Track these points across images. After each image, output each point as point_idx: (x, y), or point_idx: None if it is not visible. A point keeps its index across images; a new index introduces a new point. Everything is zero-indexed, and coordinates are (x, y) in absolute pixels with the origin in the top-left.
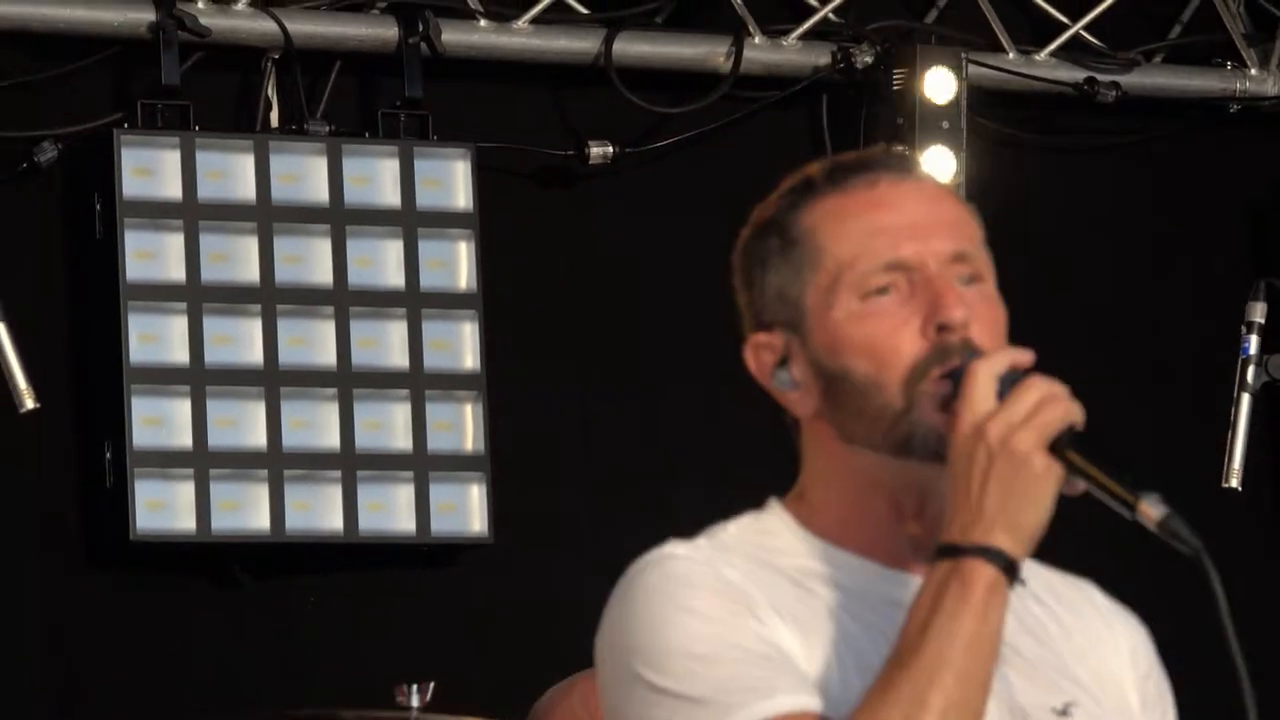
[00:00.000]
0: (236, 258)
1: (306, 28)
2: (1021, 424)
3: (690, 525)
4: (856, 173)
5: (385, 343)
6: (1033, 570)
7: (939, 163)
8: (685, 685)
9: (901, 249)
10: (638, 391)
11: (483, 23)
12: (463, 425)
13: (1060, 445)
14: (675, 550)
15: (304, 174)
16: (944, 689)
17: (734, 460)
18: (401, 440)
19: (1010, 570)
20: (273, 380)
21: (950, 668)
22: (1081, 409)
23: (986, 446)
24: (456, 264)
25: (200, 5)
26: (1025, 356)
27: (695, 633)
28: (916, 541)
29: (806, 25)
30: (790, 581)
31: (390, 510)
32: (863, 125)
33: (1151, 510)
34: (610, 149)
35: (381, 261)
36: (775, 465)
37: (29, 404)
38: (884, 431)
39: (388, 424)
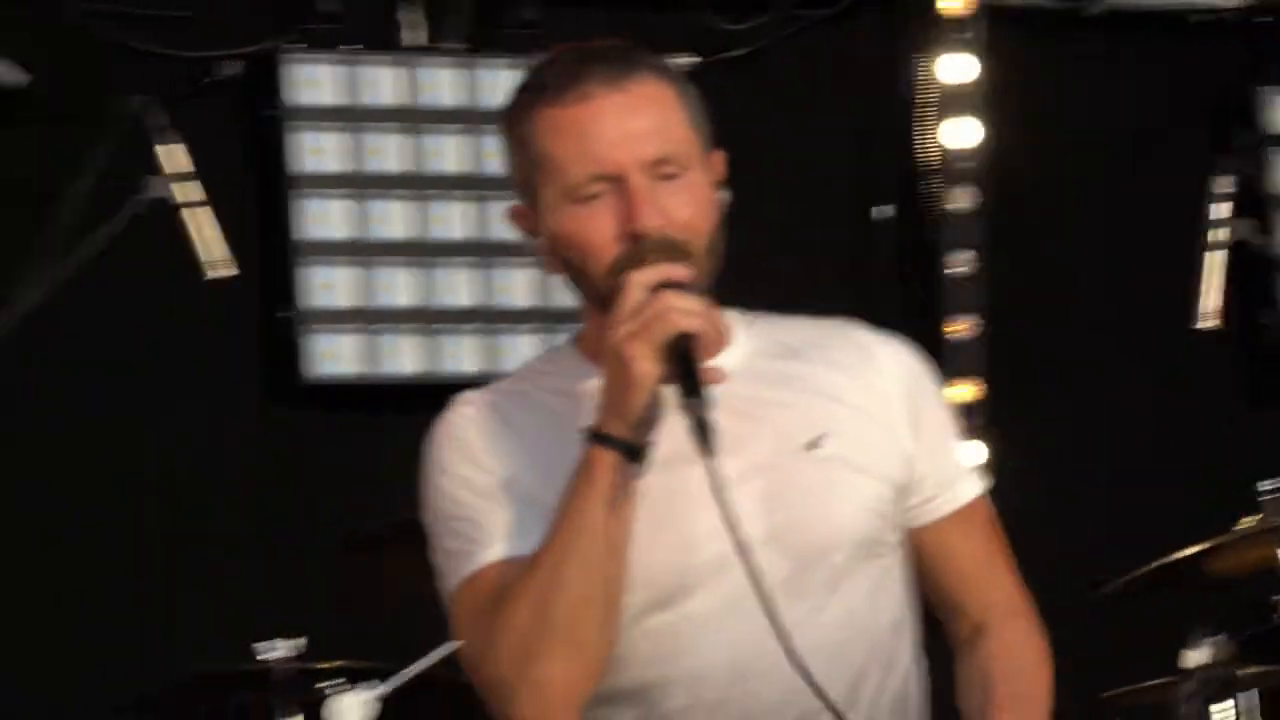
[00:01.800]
0: (386, 152)
1: None
2: (634, 332)
3: None
4: (574, 85)
5: None
6: (785, 330)
7: (962, 67)
8: (438, 540)
9: (604, 161)
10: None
11: None
12: None
13: (670, 346)
14: (453, 404)
15: (440, 83)
16: (566, 586)
17: None
18: (522, 300)
19: (630, 451)
20: (419, 250)
21: (574, 559)
22: (698, 321)
23: (610, 349)
24: None
25: None
26: (679, 271)
27: (441, 491)
28: None
29: None
30: (554, 404)
31: (515, 355)
32: (897, 38)
33: (692, 408)
34: (690, 59)
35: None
36: None
37: (219, 272)
38: (595, 304)
39: (513, 287)
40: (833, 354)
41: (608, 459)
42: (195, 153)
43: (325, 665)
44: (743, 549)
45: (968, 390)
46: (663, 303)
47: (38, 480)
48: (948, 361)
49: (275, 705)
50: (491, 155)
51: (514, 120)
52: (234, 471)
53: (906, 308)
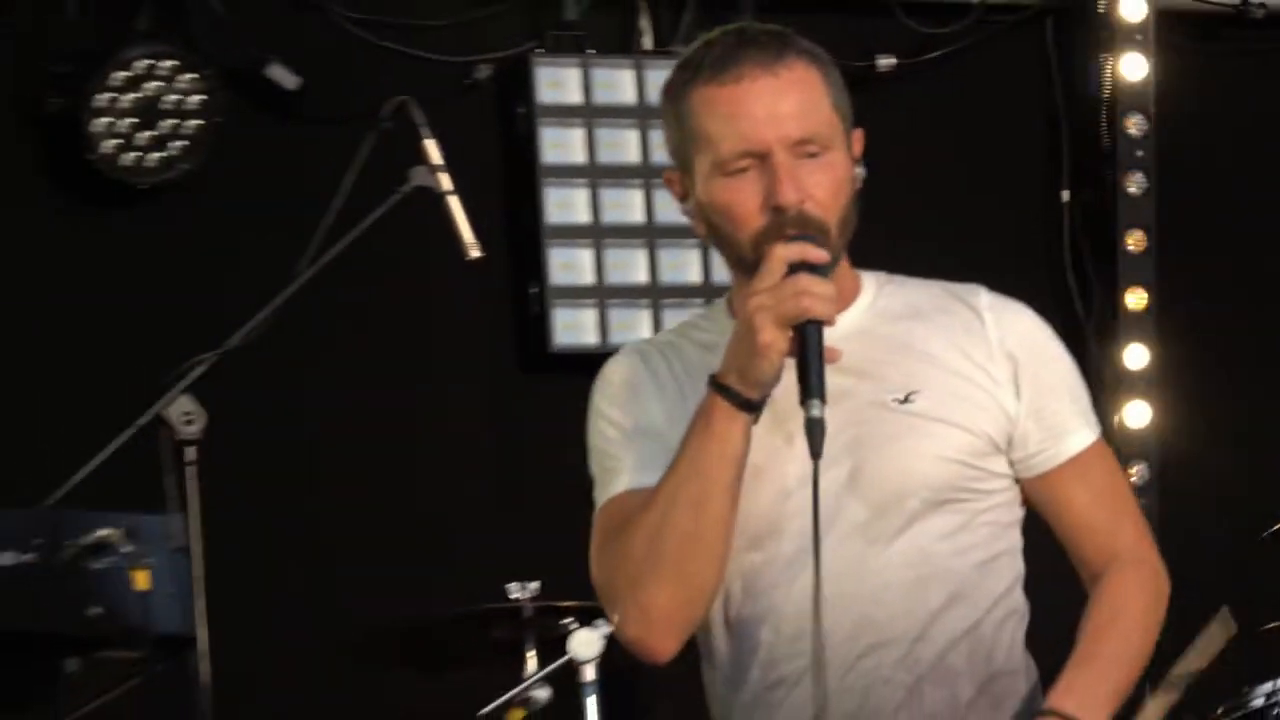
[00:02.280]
0: (622, 146)
1: None
2: (767, 305)
3: None
4: (731, 66)
5: None
6: (912, 292)
7: (1136, 66)
8: (591, 470)
9: (753, 139)
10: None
11: None
12: None
13: (798, 328)
14: (616, 354)
15: None
16: (676, 522)
17: None
18: None
19: (745, 404)
20: (650, 233)
21: (685, 498)
22: (827, 307)
23: (744, 313)
24: None
25: None
26: (817, 254)
27: (593, 427)
28: None
29: None
30: (695, 356)
31: None
32: (1078, 40)
33: (809, 409)
34: (893, 60)
35: None
36: None
37: (475, 253)
38: (739, 269)
39: None
40: (946, 318)
41: (724, 408)
42: (454, 147)
43: (565, 604)
44: (816, 510)
45: (1140, 355)
46: (798, 285)
47: (319, 439)
48: (1123, 328)
49: (524, 639)
50: None
51: (673, 96)
52: (489, 431)
53: (1087, 280)
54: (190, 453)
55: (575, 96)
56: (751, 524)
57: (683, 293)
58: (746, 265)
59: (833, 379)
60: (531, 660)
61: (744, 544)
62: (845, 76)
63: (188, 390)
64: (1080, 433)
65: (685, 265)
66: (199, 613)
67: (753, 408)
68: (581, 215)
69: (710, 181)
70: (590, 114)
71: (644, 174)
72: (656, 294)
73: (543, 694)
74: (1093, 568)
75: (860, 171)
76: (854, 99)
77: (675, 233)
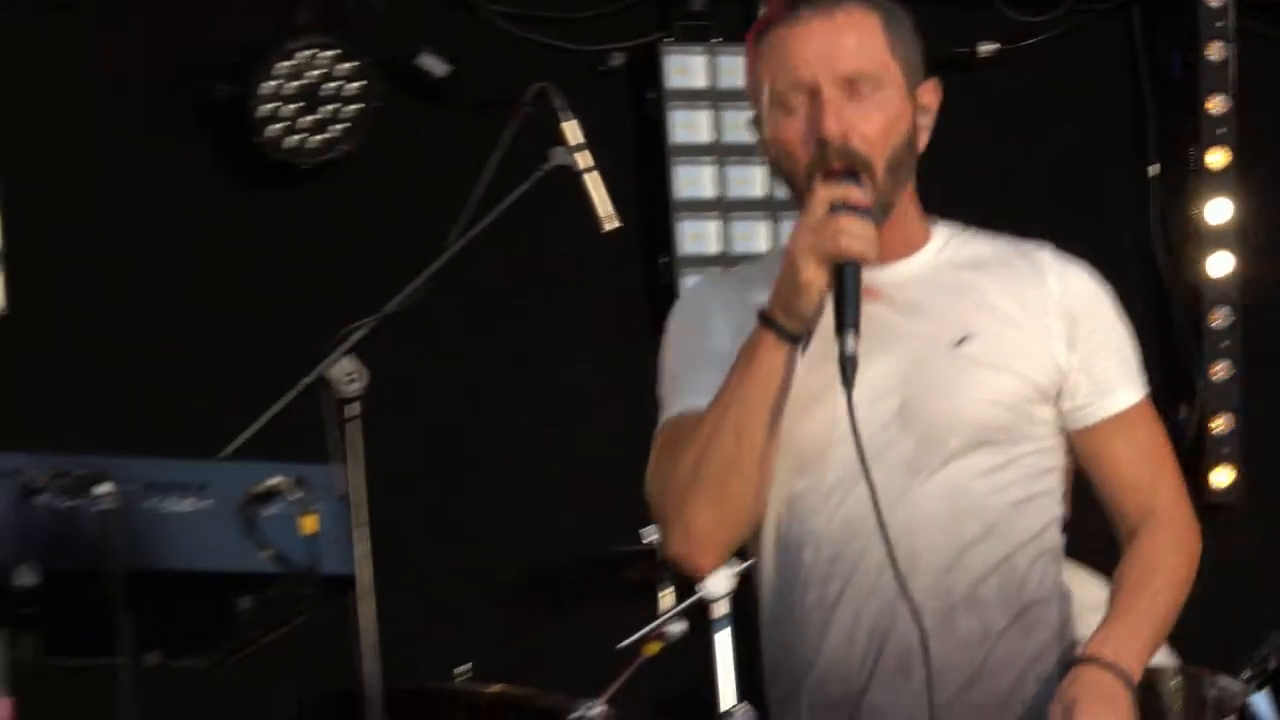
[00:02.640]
0: (744, 126)
1: None
2: (809, 244)
3: None
4: (792, 11)
5: None
6: (980, 244)
7: (1217, 50)
8: (658, 390)
9: (802, 74)
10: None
11: None
12: None
13: (836, 266)
14: (693, 284)
15: None
16: (720, 447)
17: None
18: None
19: (788, 337)
20: (771, 206)
21: (729, 424)
22: (864, 246)
23: (788, 252)
24: None
25: None
26: (857, 195)
27: (661, 351)
28: None
29: None
30: (757, 287)
31: None
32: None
33: (841, 343)
34: (994, 46)
35: None
36: None
37: (611, 225)
38: (799, 202)
39: None
40: (1008, 271)
41: (768, 339)
42: (590, 128)
43: None
44: (857, 437)
45: (1220, 318)
46: (838, 224)
47: (466, 396)
48: (1205, 291)
49: (658, 579)
50: None
51: (749, 43)
52: (621, 389)
53: (1171, 250)
54: (352, 409)
55: (701, 81)
56: (799, 450)
57: None
58: (801, 199)
59: (893, 318)
60: (665, 599)
61: (791, 469)
62: (949, 62)
63: (349, 352)
64: (1126, 390)
65: None
66: (360, 555)
67: (795, 339)
68: (707, 190)
69: (770, 118)
70: (715, 97)
71: None
72: None
73: (677, 628)
74: (1130, 523)
75: (925, 122)
76: (957, 82)
77: (795, 205)
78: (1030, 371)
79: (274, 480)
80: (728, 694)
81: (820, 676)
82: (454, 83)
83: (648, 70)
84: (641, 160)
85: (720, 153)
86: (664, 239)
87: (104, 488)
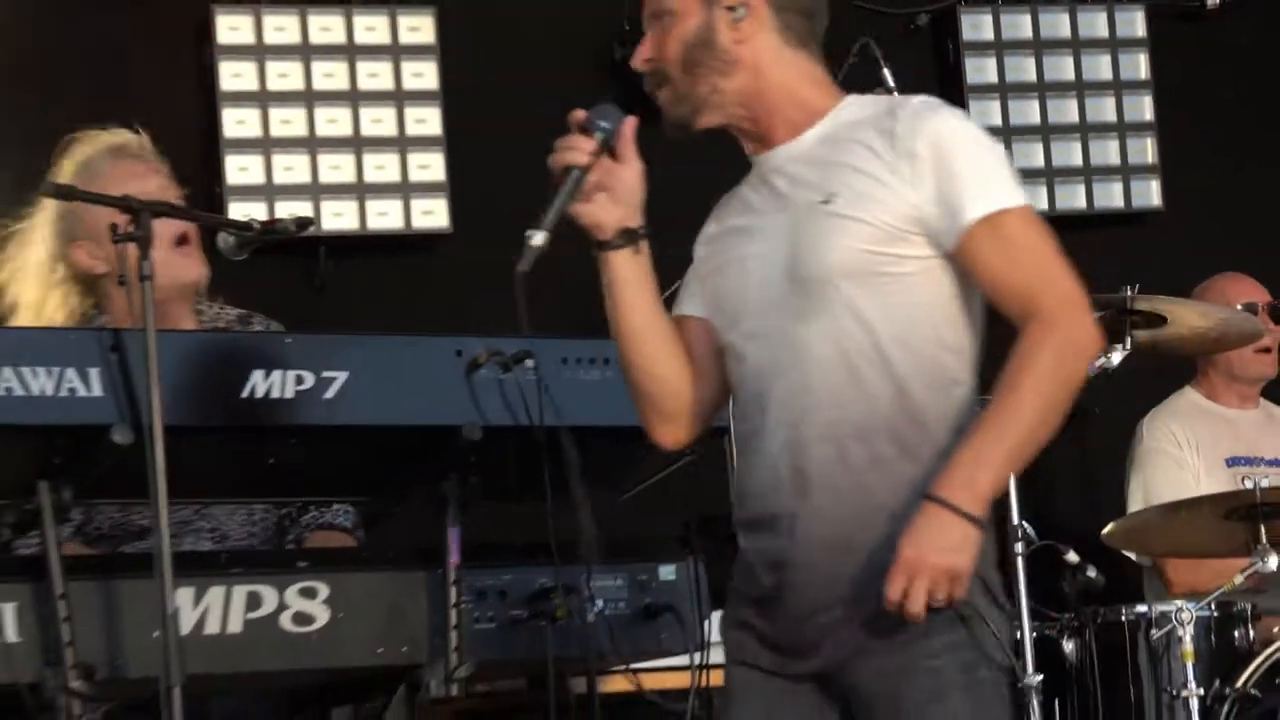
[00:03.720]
0: (1025, 69)
1: None
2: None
3: None
4: None
5: None
6: (856, 110)
7: None
8: None
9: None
10: None
11: None
12: None
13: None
14: None
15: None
16: (623, 361)
17: None
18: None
19: (599, 246)
20: (1045, 132)
21: (614, 333)
22: (576, 158)
23: None
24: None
25: None
26: (579, 115)
27: None
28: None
29: None
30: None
31: None
32: None
33: (530, 235)
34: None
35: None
36: None
37: None
38: None
39: None
40: (872, 129)
41: (596, 254)
42: (901, 76)
43: None
44: (521, 308)
45: None
46: (561, 142)
47: None
48: None
49: None
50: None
51: None
52: None
53: None
54: None
55: (992, 34)
56: (720, 307)
57: None
58: None
59: (784, 190)
60: None
61: (723, 325)
62: (1178, 14)
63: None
64: (977, 204)
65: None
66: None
67: (605, 246)
68: (996, 120)
69: None
70: (1001, 47)
71: (1040, 90)
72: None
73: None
74: (1017, 326)
75: (739, 13)
76: (1186, 31)
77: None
78: (881, 216)
79: None
80: None
81: (747, 496)
82: None
83: (950, 28)
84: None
85: (1013, 92)
86: None
87: (529, 362)
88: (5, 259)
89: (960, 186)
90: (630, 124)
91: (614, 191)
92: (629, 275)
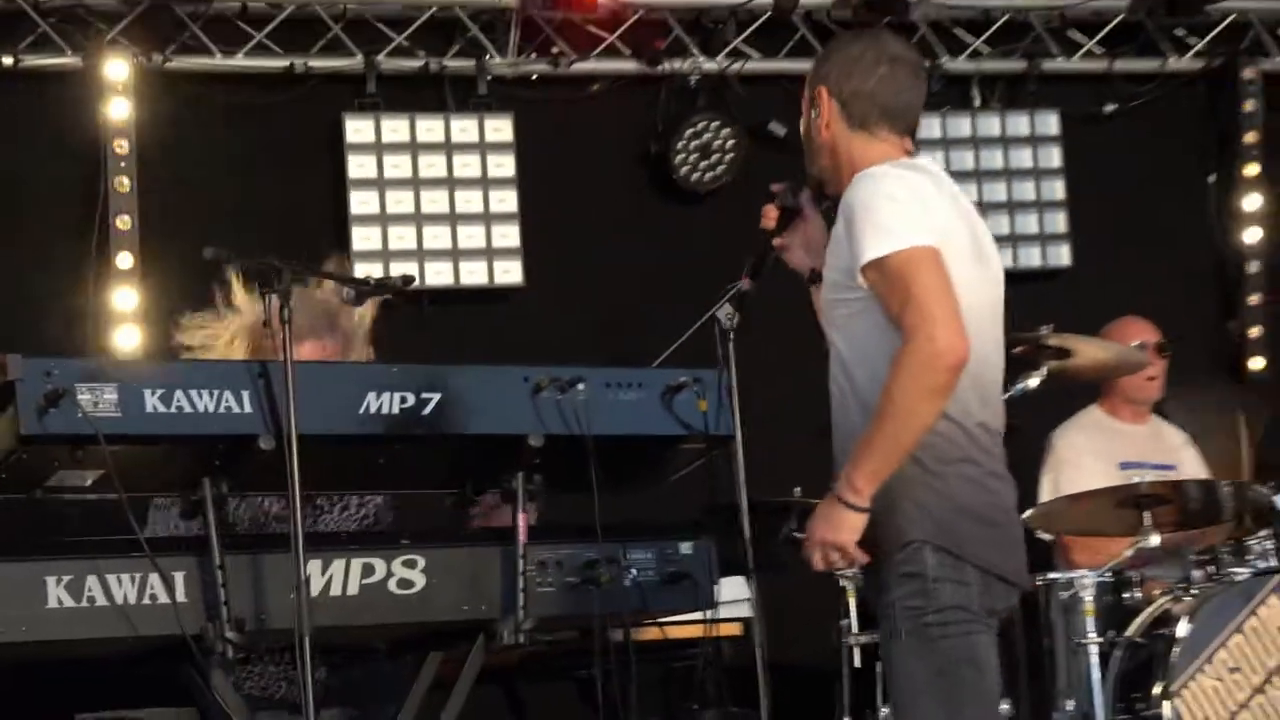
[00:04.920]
0: None
1: None
2: None
3: None
4: None
5: None
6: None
7: (1250, 106)
8: None
9: None
10: None
11: None
12: None
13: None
14: None
15: None
16: None
17: None
18: None
19: (809, 281)
20: None
21: None
22: (764, 224)
23: None
24: None
25: None
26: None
27: None
28: None
29: None
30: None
31: None
32: None
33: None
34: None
35: None
36: None
37: None
38: None
39: None
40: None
41: None
42: None
43: None
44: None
45: (1252, 268)
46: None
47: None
48: (1245, 252)
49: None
50: None
51: None
52: None
53: (1225, 225)
54: (730, 336)
55: (936, 134)
56: None
57: None
58: None
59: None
60: None
61: None
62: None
63: (729, 302)
64: (860, 255)
65: None
66: (735, 425)
67: (810, 282)
68: None
69: None
70: (948, 145)
71: (977, 175)
72: None
73: None
74: None
75: (816, 109)
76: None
77: None
78: (837, 269)
79: (682, 378)
80: None
81: None
82: (788, 139)
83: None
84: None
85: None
86: None
87: (580, 386)
88: (198, 332)
89: (854, 246)
90: (805, 195)
91: (806, 243)
92: (821, 304)
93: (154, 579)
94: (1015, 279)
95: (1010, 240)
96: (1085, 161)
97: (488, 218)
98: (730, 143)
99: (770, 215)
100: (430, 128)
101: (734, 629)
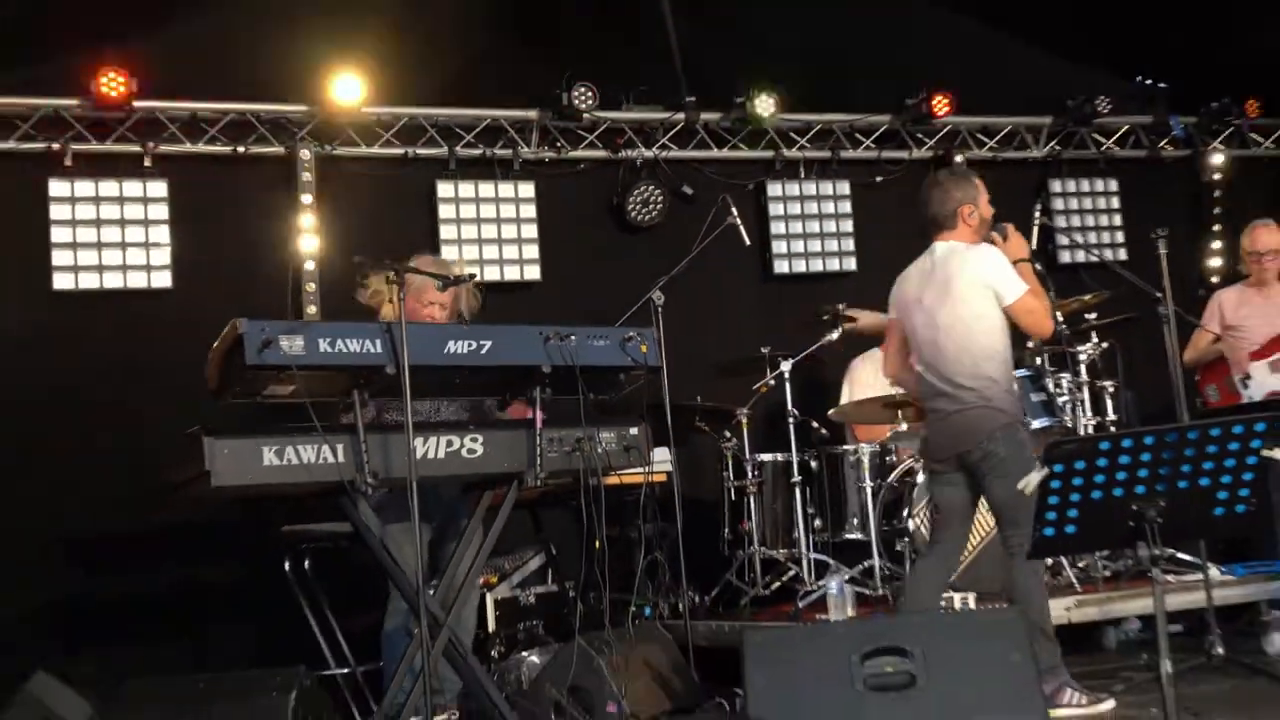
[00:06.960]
0: None
1: None
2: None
3: None
4: None
5: None
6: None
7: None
8: None
9: None
10: None
11: None
12: None
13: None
14: None
15: None
16: None
17: None
18: None
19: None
20: None
21: None
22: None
23: None
24: None
25: None
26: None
27: None
28: None
29: None
30: None
31: None
32: None
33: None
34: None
35: None
36: None
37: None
38: None
39: None
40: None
41: None
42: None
43: None
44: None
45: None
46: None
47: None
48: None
49: None
50: None
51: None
52: None
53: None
54: (659, 309)
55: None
56: None
57: None
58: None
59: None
60: None
61: None
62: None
63: (658, 290)
64: (1002, 297)
65: None
66: (662, 359)
67: None
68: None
69: None
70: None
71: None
72: None
73: None
74: None
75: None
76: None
77: None
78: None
79: (632, 333)
80: None
81: None
82: (694, 196)
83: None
84: None
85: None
86: None
87: (572, 337)
88: (370, 290)
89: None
90: (1009, 226)
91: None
92: None
93: (325, 447)
94: (826, 279)
95: (819, 256)
96: (867, 212)
97: (520, 241)
98: (660, 198)
99: (993, 239)
100: (486, 189)
101: (661, 478)
